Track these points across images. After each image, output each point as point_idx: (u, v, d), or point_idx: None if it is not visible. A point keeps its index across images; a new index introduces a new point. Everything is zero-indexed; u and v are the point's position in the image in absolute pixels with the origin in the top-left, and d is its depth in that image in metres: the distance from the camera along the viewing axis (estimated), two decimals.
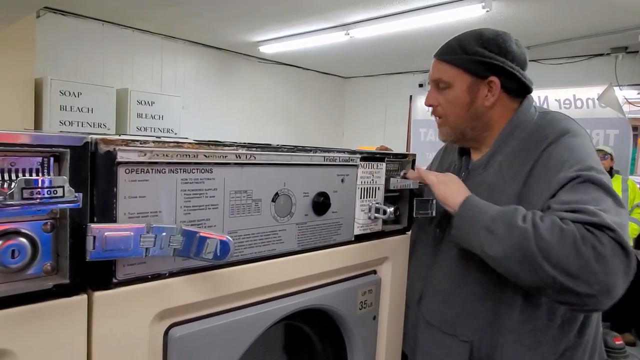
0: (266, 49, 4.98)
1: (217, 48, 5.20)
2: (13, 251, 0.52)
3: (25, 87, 3.48)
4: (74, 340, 0.56)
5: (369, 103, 6.40)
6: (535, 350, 0.92)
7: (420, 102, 5.64)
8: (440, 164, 1.22)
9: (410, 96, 5.74)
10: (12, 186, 0.45)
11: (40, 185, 0.43)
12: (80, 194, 0.48)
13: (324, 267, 0.88)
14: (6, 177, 0.49)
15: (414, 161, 1.05)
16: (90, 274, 0.57)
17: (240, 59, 5.44)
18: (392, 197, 1.02)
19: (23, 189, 0.43)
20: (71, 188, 0.47)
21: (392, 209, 0.97)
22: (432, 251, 1.07)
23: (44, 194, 0.44)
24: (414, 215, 1.06)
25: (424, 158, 1.06)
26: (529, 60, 1.06)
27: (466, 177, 1.02)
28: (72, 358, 0.56)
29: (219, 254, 0.65)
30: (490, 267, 0.86)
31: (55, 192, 0.45)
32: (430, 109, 1.06)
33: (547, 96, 4.36)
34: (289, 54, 5.24)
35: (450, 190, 0.92)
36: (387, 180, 0.99)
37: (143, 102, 4.09)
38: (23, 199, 0.43)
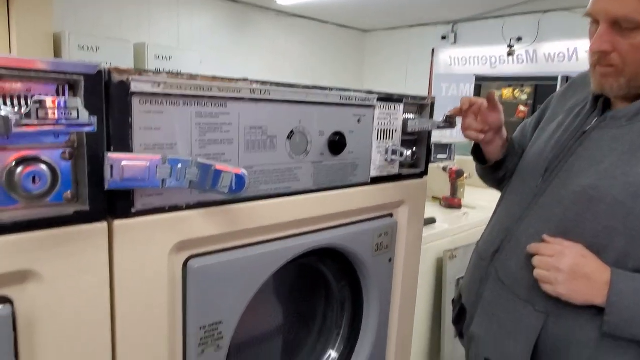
0: (284, 0, 4.85)
1: (234, 1, 5.09)
2: (34, 177, 0.53)
3: (45, 42, 3.49)
4: (97, 266, 0.58)
5: (389, 57, 6.24)
6: (619, 345, 0.79)
7: (442, 55, 5.48)
8: (560, 104, 1.01)
9: (433, 49, 5.57)
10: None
11: (55, 105, 0.44)
12: (95, 118, 0.48)
13: (340, 207, 0.88)
14: (23, 102, 0.50)
15: (432, 104, 1.02)
16: (110, 203, 0.59)
17: (257, 13, 5.33)
18: (409, 140, 1.01)
19: (38, 109, 0.43)
20: (86, 110, 0.47)
21: (409, 152, 0.96)
22: (528, 203, 0.91)
23: (59, 116, 0.44)
24: (432, 160, 1.05)
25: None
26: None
27: (597, 127, 0.86)
28: (96, 283, 0.58)
29: (234, 188, 0.65)
30: (593, 238, 0.78)
31: (70, 113, 0.45)
32: (589, 55, 0.85)
33: (577, 47, 4.17)
34: (307, 5, 5.10)
35: (580, 285, 0.77)
36: (404, 123, 0.97)
37: (161, 57, 4.07)
38: (38, 118, 0.43)
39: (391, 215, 1.01)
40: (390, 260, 1.00)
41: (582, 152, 0.86)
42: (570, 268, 0.78)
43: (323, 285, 1.03)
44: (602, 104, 0.88)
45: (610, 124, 0.85)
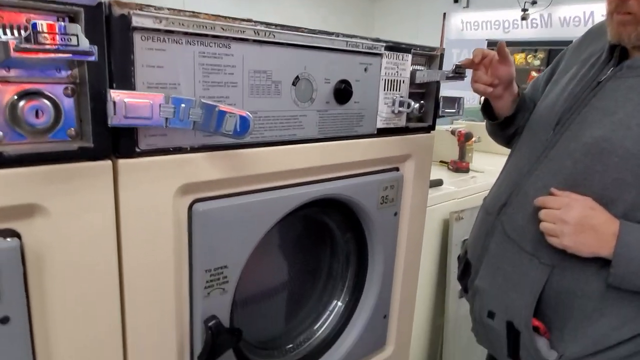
0: None
1: None
2: (37, 112, 0.53)
3: None
4: (103, 204, 0.59)
5: (399, 23, 6.10)
6: (623, 297, 0.78)
7: (454, 19, 5.34)
8: (575, 55, 0.98)
9: (444, 14, 5.43)
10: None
11: (55, 30, 0.43)
12: (96, 47, 0.48)
13: (345, 158, 0.87)
14: (23, 33, 0.49)
15: (442, 55, 1.00)
16: (114, 142, 0.59)
17: None
18: (417, 93, 0.99)
19: (37, 33, 0.42)
20: (86, 39, 0.46)
21: (417, 104, 0.94)
22: (537, 156, 0.89)
23: (59, 41, 0.44)
24: (440, 113, 1.03)
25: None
26: None
27: (613, 77, 0.83)
28: (102, 221, 0.59)
29: (238, 130, 0.65)
30: (602, 190, 0.77)
31: (69, 39, 0.44)
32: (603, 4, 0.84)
33: (594, 11, 4.04)
34: None
35: (587, 236, 0.76)
36: (412, 74, 0.95)
37: None
38: (38, 43, 0.43)
39: (397, 169, 1.01)
40: (395, 214, 1.00)
41: (596, 103, 0.83)
42: (577, 220, 0.78)
43: (329, 238, 1.04)
44: (618, 53, 0.86)
45: (626, 73, 0.82)
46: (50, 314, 0.58)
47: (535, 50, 4.08)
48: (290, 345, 0.97)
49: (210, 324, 0.71)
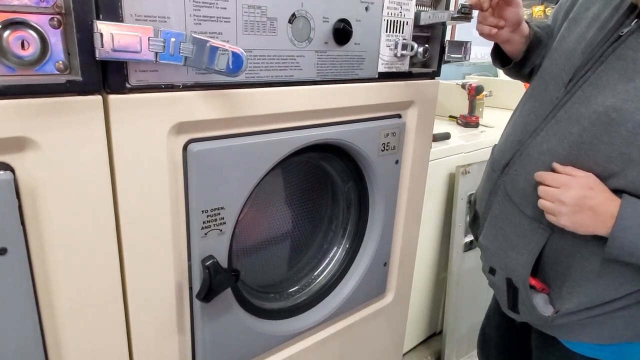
0: None
1: None
2: (22, 43, 0.52)
3: None
4: (95, 140, 0.58)
5: None
6: (613, 267, 0.77)
7: None
8: (581, 9, 0.89)
9: None
10: None
11: None
12: None
13: (345, 102, 0.86)
14: None
15: None
16: (104, 77, 0.58)
17: None
18: (422, 36, 0.96)
19: None
20: None
21: (421, 48, 0.91)
22: (545, 115, 0.84)
23: None
24: (445, 58, 1.00)
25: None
26: None
27: (637, 30, 0.75)
28: (95, 157, 0.59)
29: (231, 67, 0.63)
30: (606, 163, 0.73)
31: None
32: None
33: None
34: None
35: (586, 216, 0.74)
36: (416, 16, 0.91)
37: None
38: None
39: (399, 116, 0.99)
40: (396, 162, 0.99)
41: (614, 62, 0.76)
42: (574, 201, 0.75)
43: (330, 185, 1.03)
44: (630, 10, 0.77)
45: None
46: (48, 247, 0.59)
47: (556, 2, 3.89)
48: (291, 290, 0.99)
49: (207, 263, 0.72)
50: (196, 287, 0.75)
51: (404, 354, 1.85)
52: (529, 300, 0.86)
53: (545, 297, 0.87)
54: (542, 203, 0.80)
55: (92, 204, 0.60)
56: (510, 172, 0.89)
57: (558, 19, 0.95)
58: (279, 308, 0.94)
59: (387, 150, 0.96)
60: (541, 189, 0.80)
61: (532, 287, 0.87)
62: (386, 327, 1.18)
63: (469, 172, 1.66)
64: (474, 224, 1.06)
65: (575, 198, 0.75)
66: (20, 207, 0.56)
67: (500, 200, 0.92)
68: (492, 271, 0.94)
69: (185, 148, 0.68)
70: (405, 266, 1.15)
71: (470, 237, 1.76)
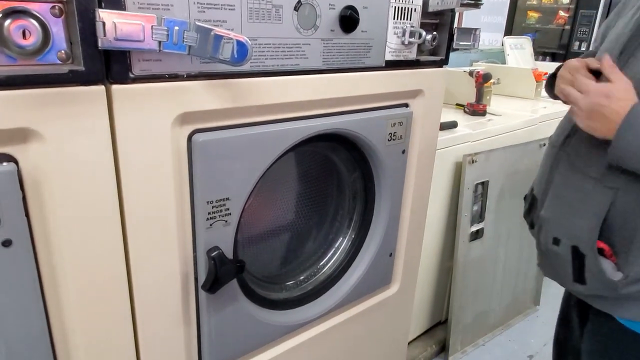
0: None
1: None
2: (24, 32, 0.51)
3: None
4: (98, 131, 0.58)
5: None
6: None
7: None
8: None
9: None
10: None
11: None
12: None
13: (351, 91, 0.84)
14: None
15: None
16: (107, 67, 0.57)
17: None
18: (430, 23, 0.94)
19: None
20: None
21: (429, 36, 0.89)
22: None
23: None
24: (454, 46, 0.98)
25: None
26: None
27: None
28: (99, 149, 0.58)
29: (236, 56, 0.62)
30: None
31: None
32: None
33: None
34: None
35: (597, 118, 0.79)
36: (425, 2, 0.89)
37: None
38: None
39: (406, 105, 0.97)
40: (403, 151, 0.98)
41: None
42: (588, 108, 0.80)
43: (336, 175, 1.02)
44: None
45: None
46: (53, 238, 0.59)
47: None
48: (296, 280, 0.99)
49: (212, 254, 0.72)
50: (202, 278, 0.75)
51: (409, 343, 1.85)
52: (597, 266, 0.85)
53: (613, 265, 0.86)
54: (567, 99, 0.85)
55: (96, 195, 0.60)
56: (572, 142, 0.92)
57: (605, 35, 0.97)
58: (285, 298, 0.93)
59: (394, 140, 0.94)
60: (566, 89, 0.85)
61: (600, 250, 0.86)
62: (391, 318, 1.18)
63: (475, 161, 1.64)
64: (530, 211, 1.06)
65: (589, 105, 0.81)
66: (24, 198, 0.55)
67: (562, 170, 0.94)
68: (556, 242, 0.94)
69: (189, 138, 0.68)
70: (411, 256, 1.14)
71: (476, 227, 1.76)
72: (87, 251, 0.61)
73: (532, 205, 1.05)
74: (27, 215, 0.56)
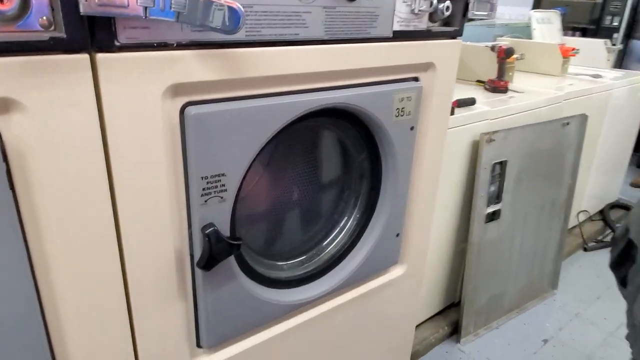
0: None
1: None
2: None
3: None
4: (84, 102, 0.56)
5: None
6: None
7: None
8: None
9: None
10: None
11: None
12: None
13: (356, 63, 0.80)
14: None
15: None
16: (91, 34, 0.54)
17: None
18: None
19: None
20: None
21: (441, 4, 0.84)
22: None
23: None
24: (469, 16, 0.92)
25: None
26: None
27: None
28: (85, 120, 0.56)
29: (228, 23, 0.59)
30: None
31: None
32: None
33: None
34: None
35: None
36: None
37: None
38: None
39: (416, 79, 0.92)
40: (412, 128, 0.94)
41: None
42: None
43: (342, 153, 0.99)
44: None
45: None
46: (40, 211, 0.57)
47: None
48: (299, 259, 0.97)
49: (207, 231, 0.70)
50: (197, 255, 0.73)
51: (421, 324, 1.83)
52: None
53: None
54: None
55: (84, 168, 0.58)
56: None
57: None
58: (287, 277, 0.92)
59: (401, 115, 0.90)
60: None
61: None
62: (399, 299, 1.15)
63: (493, 140, 1.58)
64: (623, 261, 0.80)
65: None
66: (8, 171, 0.54)
67: None
68: None
69: (182, 111, 0.65)
70: (419, 238, 1.11)
71: (492, 208, 1.70)
72: (76, 226, 0.60)
73: (626, 252, 0.79)
74: (12, 188, 0.55)
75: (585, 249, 2.48)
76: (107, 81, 0.56)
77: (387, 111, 0.87)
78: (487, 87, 1.92)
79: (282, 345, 0.93)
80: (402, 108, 0.89)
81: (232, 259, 0.78)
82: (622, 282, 0.82)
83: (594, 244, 2.51)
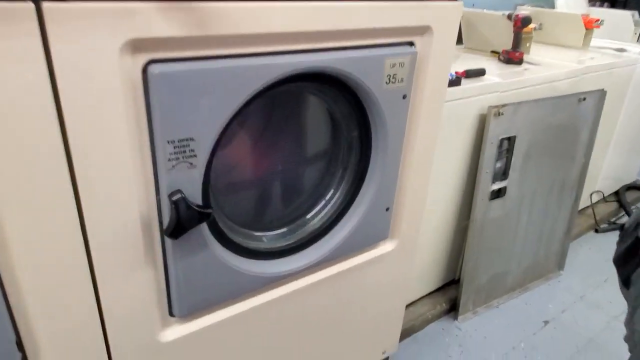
0: None
1: None
2: None
3: None
4: (31, 56, 0.52)
5: None
6: None
7: None
8: None
9: None
10: None
11: None
12: None
13: (344, 23, 0.74)
14: None
15: None
16: None
17: None
18: None
19: None
20: None
21: None
22: None
23: None
24: None
25: None
26: None
27: None
28: (33, 77, 0.52)
29: None
30: None
31: None
32: None
33: None
34: None
35: None
36: None
37: None
38: None
39: (411, 43, 0.86)
40: (404, 97, 0.88)
41: None
42: None
43: (328, 122, 0.94)
44: None
45: None
46: None
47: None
48: (281, 231, 0.94)
49: (174, 198, 0.67)
50: (166, 223, 0.70)
51: (418, 300, 1.81)
52: None
53: None
54: None
55: (35, 129, 0.55)
56: None
57: None
58: (266, 248, 0.89)
59: (393, 82, 0.84)
60: None
61: None
62: (389, 275, 1.12)
63: (502, 114, 1.50)
64: (629, 258, 0.74)
65: None
66: None
67: None
68: None
69: (145, 70, 0.61)
70: (412, 213, 1.06)
71: (498, 185, 1.64)
72: (31, 189, 0.57)
73: (633, 249, 0.73)
74: None
75: (596, 231, 2.41)
76: (56, 34, 0.52)
77: (377, 77, 0.81)
78: (502, 58, 1.82)
79: (261, 318, 0.91)
80: (394, 75, 0.83)
81: (204, 227, 0.75)
82: (625, 282, 0.77)
83: (606, 225, 2.43)
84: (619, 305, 1.90)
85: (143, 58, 0.60)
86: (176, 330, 0.81)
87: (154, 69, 0.60)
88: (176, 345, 0.82)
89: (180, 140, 0.66)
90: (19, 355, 0.67)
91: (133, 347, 0.77)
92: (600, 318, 1.84)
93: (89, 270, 0.66)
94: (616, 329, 1.78)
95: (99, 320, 0.71)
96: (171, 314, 0.79)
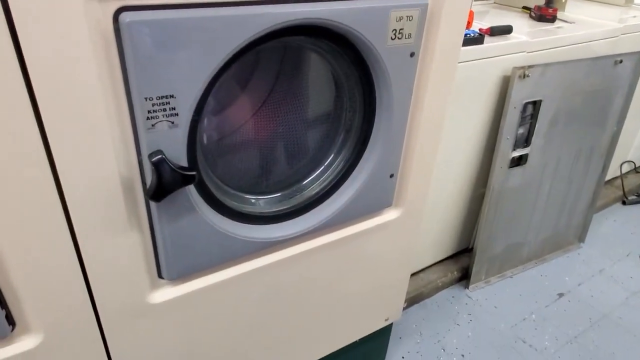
0: None
1: None
2: None
3: None
4: None
5: None
6: None
7: None
8: None
9: None
10: None
11: None
12: None
13: None
14: None
15: None
16: None
17: None
18: None
19: None
20: None
21: None
22: None
23: None
24: None
25: None
26: None
27: None
28: None
29: None
30: None
31: None
32: None
33: None
34: None
35: None
36: None
37: None
38: None
39: None
40: (412, 55, 0.80)
41: None
42: None
43: (329, 81, 0.88)
44: None
45: None
46: None
47: None
48: (277, 195, 0.90)
49: (154, 159, 0.63)
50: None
51: (429, 267, 1.78)
52: None
53: None
54: None
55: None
56: None
57: None
58: (261, 213, 0.85)
59: (399, 38, 0.77)
60: None
61: None
62: (393, 243, 1.08)
63: (528, 76, 1.40)
64: None
65: None
66: None
67: None
68: None
69: (116, 18, 0.56)
70: (419, 180, 1.01)
71: (519, 152, 1.56)
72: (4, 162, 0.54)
73: None
74: None
75: (624, 202, 2.30)
76: None
77: (381, 32, 0.74)
78: (533, 14, 1.68)
79: (255, 283, 0.89)
80: (401, 29, 0.76)
81: (192, 189, 0.71)
82: None
83: (634, 197, 2.31)
84: (639, 281, 1.83)
85: (113, 5, 0.55)
86: (166, 293, 0.80)
87: (125, 17, 0.55)
88: (166, 307, 0.80)
89: (159, 98, 0.61)
90: (9, 328, 0.66)
91: (121, 308, 0.76)
92: (618, 293, 1.78)
93: (68, 229, 0.64)
94: (634, 306, 1.72)
95: (82, 280, 0.69)
96: (160, 276, 0.78)
